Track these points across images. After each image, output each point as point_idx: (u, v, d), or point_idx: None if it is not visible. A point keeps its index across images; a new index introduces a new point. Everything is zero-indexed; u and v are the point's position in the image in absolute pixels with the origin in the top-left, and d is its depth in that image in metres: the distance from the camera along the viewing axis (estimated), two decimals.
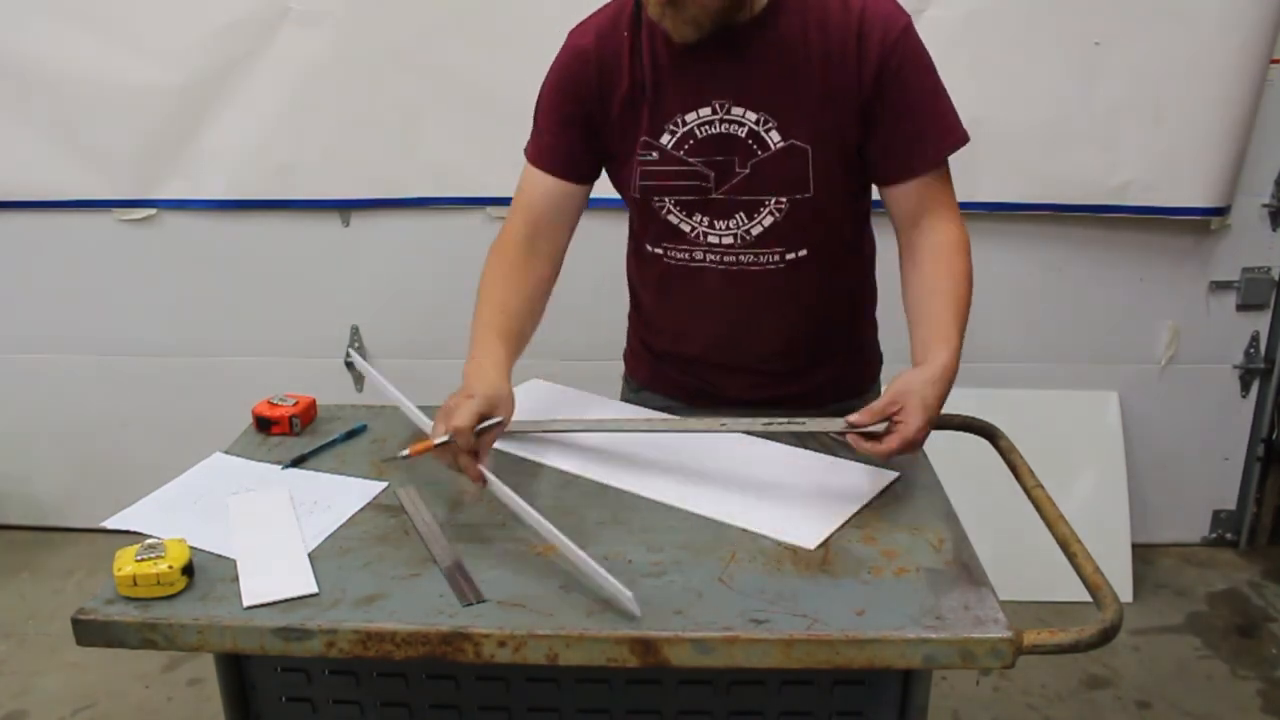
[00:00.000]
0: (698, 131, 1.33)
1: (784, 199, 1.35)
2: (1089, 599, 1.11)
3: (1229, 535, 2.93)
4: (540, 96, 1.43)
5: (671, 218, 1.39)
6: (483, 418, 1.20)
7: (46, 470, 3.02)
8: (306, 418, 1.50)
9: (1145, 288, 2.70)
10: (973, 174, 2.54)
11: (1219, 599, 2.69)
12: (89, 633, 1.05)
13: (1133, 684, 2.35)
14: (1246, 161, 2.54)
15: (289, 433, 1.47)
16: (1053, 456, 1.94)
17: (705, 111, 1.32)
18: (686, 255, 1.42)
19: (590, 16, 1.41)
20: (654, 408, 1.54)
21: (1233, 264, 2.68)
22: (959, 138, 1.36)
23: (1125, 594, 2.66)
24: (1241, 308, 2.72)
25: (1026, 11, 2.39)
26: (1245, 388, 2.79)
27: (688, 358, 1.55)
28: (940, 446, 1.50)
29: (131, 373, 2.89)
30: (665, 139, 1.34)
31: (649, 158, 1.36)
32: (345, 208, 2.71)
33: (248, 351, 2.85)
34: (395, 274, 2.77)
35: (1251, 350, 2.76)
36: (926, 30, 2.39)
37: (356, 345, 2.83)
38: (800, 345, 1.51)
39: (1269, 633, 2.55)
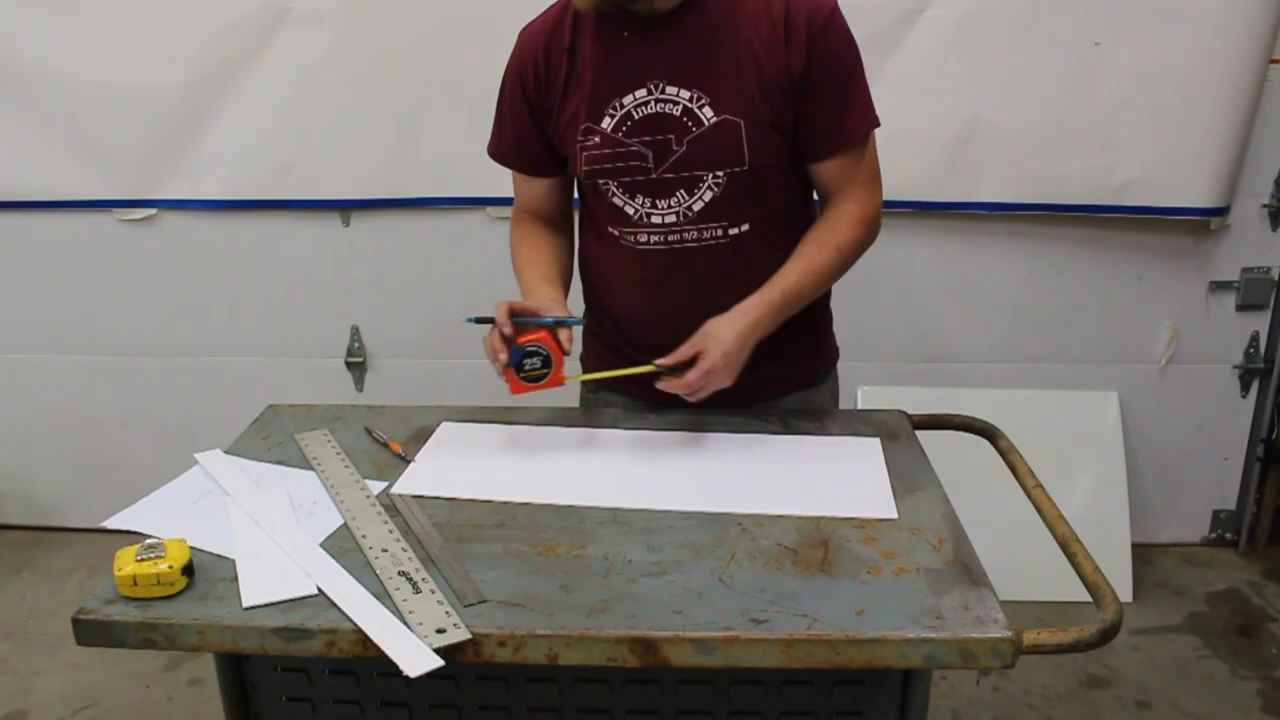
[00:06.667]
0: (634, 113, 1.38)
1: (721, 173, 1.39)
2: (1089, 599, 1.11)
3: (1229, 535, 2.93)
4: (500, 92, 1.51)
5: (616, 200, 1.44)
6: (514, 311, 1.35)
7: (46, 470, 3.01)
8: None
9: (1145, 288, 2.70)
10: (972, 175, 2.54)
11: (1219, 599, 2.69)
12: (89, 633, 1.05)
13: (1133, 684, 2.35)
14: (1246, 161, 2.54)
15: None
16: (1053, 456, 1.94)
17: (640, 93, 1.37)
18: (631, 239, 1.47)
19: (540, 15, 1.47)
20: (613, 410, 1.57)
21: (1232, 264, 2.68)
22: (873, 120, 1.43)
23: (1125, 594, 2.66)
24: (1241, 308, 2.72)
25: (1026, 12, 2.39)
26: (1245, 388, 2.79)
27: (639, 345, 1.52)
28: (940, 446, 1.51)
29: (131, 373, 2.89)
30: (605, 123, 1.40)
31: (591, 142, 1.41)
32: (345, 208, 2.70)
33: (248, 351, 2.85)
34: (395, 274, 2.77)
35: (1251, 350, 2.76)
36: (926, 30, 2.44)
37: (356, 345, 2.83)
38: None
39: (1269, 633, 2.55)
